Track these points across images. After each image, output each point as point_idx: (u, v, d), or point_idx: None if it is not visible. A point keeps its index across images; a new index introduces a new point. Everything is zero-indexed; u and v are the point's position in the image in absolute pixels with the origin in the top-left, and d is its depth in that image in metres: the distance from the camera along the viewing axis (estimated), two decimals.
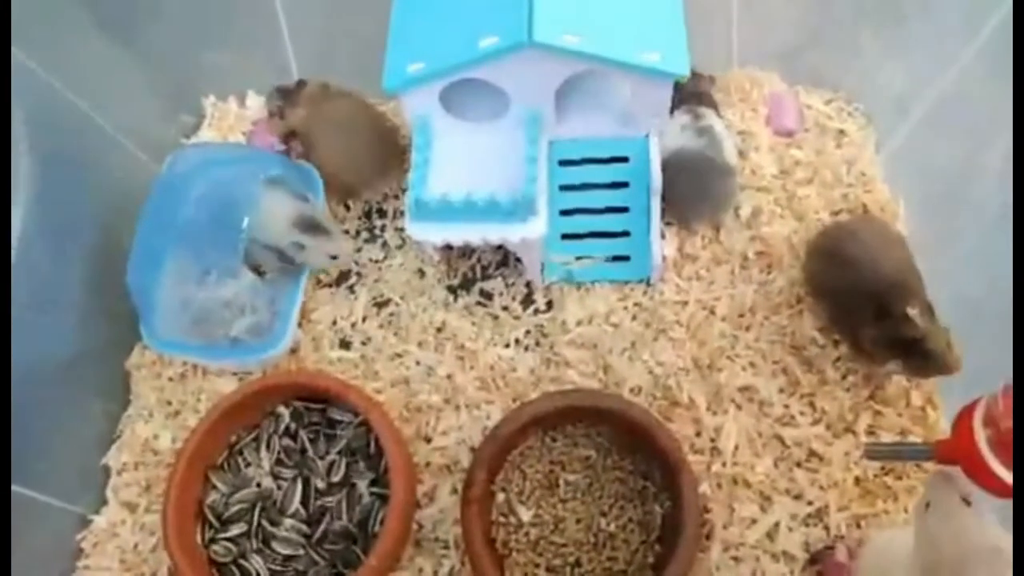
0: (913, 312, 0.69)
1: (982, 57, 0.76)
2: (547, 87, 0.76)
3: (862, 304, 0.74)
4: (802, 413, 0.77)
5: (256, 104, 1.02)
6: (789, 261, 0.85)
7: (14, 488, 0.70)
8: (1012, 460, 0.52)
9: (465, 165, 0.80)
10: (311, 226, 0.80)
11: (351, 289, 0.89)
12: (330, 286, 0.89)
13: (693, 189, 0.84)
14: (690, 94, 0.88)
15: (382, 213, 0.94)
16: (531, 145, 0.77)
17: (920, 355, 0.70)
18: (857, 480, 0.74)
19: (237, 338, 0.82)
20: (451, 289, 0.88)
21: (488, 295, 0.87)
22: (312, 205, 0.83)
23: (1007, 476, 0.53)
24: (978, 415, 0.55)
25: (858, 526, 0.73)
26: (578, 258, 0.86)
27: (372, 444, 0.77)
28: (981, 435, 0.54)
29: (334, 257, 0.84)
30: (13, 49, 0.75)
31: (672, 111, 0.84)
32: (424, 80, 0.75)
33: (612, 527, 0.73)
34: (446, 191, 0.76)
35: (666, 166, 0.82)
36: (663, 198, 0.83)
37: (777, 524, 0.73)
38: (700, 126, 0.85)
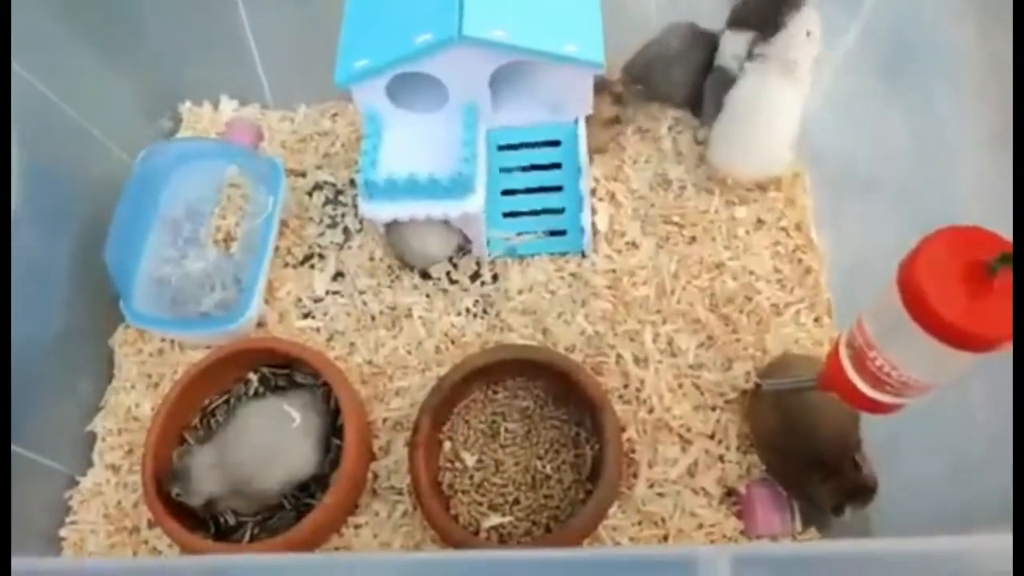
0: (860, 459, 0.72)
1: (862, 47, 0.85)
2: (480, 78, 0.85)
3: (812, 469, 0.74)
4: (715, 363, 0.85)
5: (228, 107, 1.11)
6: (711, 233, 0.94)
7: (13, 448, 0.78)
8: (865, 377, 0.61)
9: (411, 151, 0.87)
10: None
11: (313, 268, 0.97)
12: (295, 266, 0.97)
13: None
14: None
15: (343, 203, 1.03)
16: (467, 131, 0.86)
17: (863, 493, 0.72)
18: None
19: (207, 313, 0.90)
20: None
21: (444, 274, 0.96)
22: None
23: (863, 386, 0.61)
24: (843, 341, 0.64)
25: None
26: (519, 234, 0.94)
27: (332, 403, 0.84)
28: (844, 354, 0.63)
29: None
30: (13, 64, 0.85)
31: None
32: (369, 74, 0.83)
33: (548, 469, 0.80)
34: (392, 173, 0.84)
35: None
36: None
37: (696, 462, 0.81)
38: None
